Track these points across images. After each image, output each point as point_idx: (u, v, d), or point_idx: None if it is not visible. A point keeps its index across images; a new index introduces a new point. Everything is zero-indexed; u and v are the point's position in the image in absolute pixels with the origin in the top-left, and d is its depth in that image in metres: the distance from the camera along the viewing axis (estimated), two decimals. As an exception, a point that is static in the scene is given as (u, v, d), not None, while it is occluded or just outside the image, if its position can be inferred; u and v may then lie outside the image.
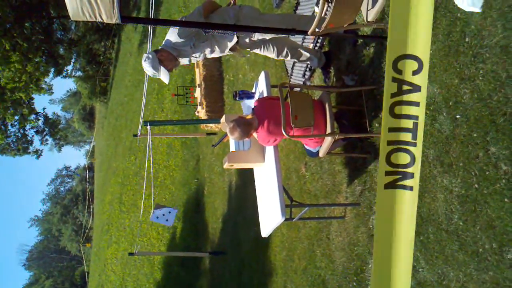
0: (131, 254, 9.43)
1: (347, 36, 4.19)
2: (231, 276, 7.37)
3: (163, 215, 7.20)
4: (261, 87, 4.56)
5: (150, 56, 3.97)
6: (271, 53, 4.33)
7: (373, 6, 3.13)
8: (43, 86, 24.14)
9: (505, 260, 2.72)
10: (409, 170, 1.90)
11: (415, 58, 1.88)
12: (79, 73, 38.32)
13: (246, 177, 6.83)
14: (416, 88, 1.89)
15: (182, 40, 3.94)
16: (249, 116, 3.98)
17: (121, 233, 18.24)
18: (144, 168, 10.29)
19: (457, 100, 3.11)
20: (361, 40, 4.28)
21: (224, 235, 8.08)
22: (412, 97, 1.89)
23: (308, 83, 5.10)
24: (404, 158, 1.90)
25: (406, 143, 1.90)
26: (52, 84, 31.95)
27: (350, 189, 4.31)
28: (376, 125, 3.98)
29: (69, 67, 35.04)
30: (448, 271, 3.09)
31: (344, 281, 4.25)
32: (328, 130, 3.86)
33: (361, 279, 3.99)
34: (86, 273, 40.72)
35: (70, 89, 64.36)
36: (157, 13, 15.33)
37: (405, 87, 1.89)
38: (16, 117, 24.70)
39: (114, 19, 2.45)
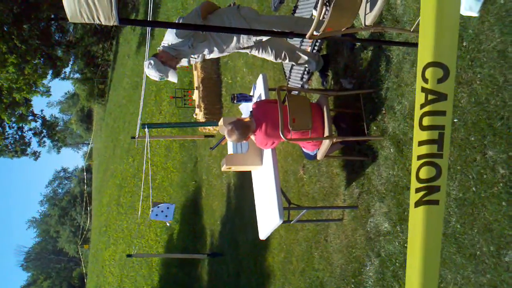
0: (129, 255, 9.42)
1: (345, 39, 4.20)
2: (229, 278, 7.36)
3: (162, 211, 7.19)
4: (259, 90, 4.56)
5: (152, 61, 3.95)
6: (269, 55, 4.33)
7: (371, 10, 3.14)
8: (41, 88, 24.14)
9: (502, 263, 2.73)
10: (435, 183, 1.80)
11: (440, 65, 1.78)
12: (77, 75, 38.32)
13: (244, 180, 6.83)
14: (442, 97, 1.79)
15: (180, 40, 3.93)
16: (247, 119, 3.98)
17: (119, 235, 18.21)
18: (142, 170, 10.29)
19: (454, 104, 3.12)
20: (359, 43, 4.29)
21: (222, 237, 8.07)
22: (438, 106, 1.79)
23: (306, 86, 5.11)
24: (430, 172, 1.81)
25: (433, 155, 1.80)
26: (50, 86, 31.95)
27: (348, 191, 4.32)
28: (374, 128, 3.99)
29: (67, 69, 35.07)
30: (445, 273, 3.10)
31: (342, 283, 4.25)
32: (326, 133, 3.87)
33: (359, 281, 4.00)
34: (84, 275, 40.61)
35: (68, 91, 64.27)
36: (155, 15, 15.33)
37: (431, 97, 1.80)
38: (13, 118, 24.69)
39: (112, 21, 2.44)
